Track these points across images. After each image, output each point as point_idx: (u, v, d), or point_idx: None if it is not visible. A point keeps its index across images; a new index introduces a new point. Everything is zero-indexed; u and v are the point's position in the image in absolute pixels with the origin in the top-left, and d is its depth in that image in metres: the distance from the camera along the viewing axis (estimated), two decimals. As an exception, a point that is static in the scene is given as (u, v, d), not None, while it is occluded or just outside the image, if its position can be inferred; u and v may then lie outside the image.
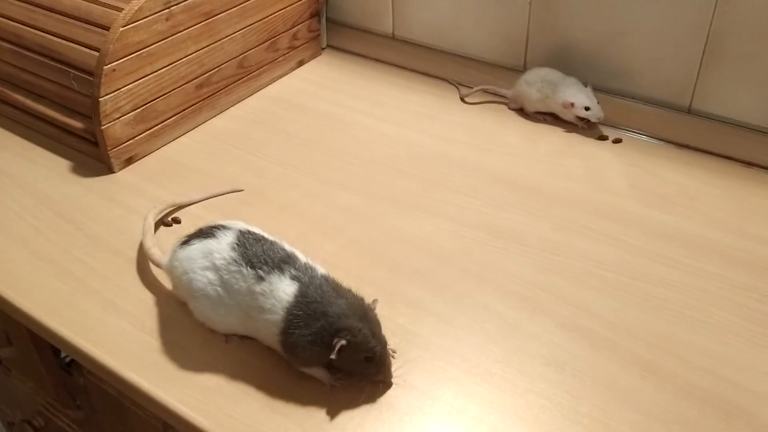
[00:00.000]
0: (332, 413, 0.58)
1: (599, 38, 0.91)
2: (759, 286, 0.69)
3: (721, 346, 0.63)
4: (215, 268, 0.59)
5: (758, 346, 0.63)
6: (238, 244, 0.59)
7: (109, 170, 0.86)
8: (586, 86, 0.90)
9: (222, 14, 0.92)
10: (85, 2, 0.87)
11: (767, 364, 0.61)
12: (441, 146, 0.90)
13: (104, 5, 0.85)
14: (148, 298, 0.68)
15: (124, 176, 0.85)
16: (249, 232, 0.61)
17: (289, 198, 0.81)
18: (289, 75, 1.06)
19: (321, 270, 0.60)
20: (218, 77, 0.95)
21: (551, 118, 0.93)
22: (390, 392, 0.59)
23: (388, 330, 0.64)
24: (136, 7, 0.81)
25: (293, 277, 0.57)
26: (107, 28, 0.82)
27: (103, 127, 0.82)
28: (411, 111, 0.97)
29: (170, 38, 0.86)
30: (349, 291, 0.59)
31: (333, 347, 0.54)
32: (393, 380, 0.59)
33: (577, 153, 0.88)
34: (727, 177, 0.83)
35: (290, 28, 1.04)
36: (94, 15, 0.85)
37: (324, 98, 1.01)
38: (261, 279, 0.57)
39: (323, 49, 1.13)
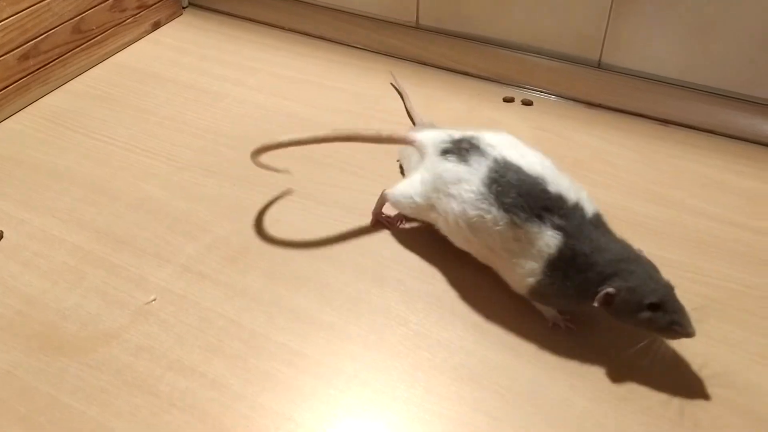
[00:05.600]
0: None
1: (498, -14, 0.80)
2: (690, 263, 0.61)
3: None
4: (461, 200, 0.54)
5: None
6: (491, 179, 0.53)
7: None
8: None
9: (46, -34, 0.75)
10: None
11: (700, 357, 0.53)
12: (326, 117, 0.78)
13: None
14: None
15: (-73, 175, 0.68)
16: (507, 162, 0.54)
17: (143, 191, 0.67)
18: (142, 40, 0.91)
19: (590, 209, 0.53)
20: (49, 45, 0.79)
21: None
22: (263, 428, 0.47)
23: (265, 350, 0.52)
24: None
25: (557, 227, 0.51)
26: None
27: None
28: (289, 78, 0.84)
29: (-25, -2, 0.69)
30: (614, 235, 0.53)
31: (597, 295, 0.49)
32: (694, 330, 0.49)
33: (479, 118, 0.78)
34: (643, 137, 0.76)
35: (138, -17, 0.88)
36: None
37: (186, 66, 0.86)
38: (516, 226, 0.51)
39: (184, 8, 0.98)
